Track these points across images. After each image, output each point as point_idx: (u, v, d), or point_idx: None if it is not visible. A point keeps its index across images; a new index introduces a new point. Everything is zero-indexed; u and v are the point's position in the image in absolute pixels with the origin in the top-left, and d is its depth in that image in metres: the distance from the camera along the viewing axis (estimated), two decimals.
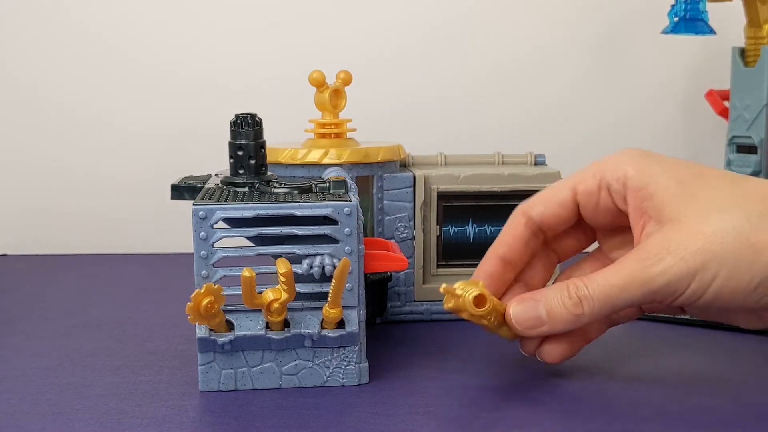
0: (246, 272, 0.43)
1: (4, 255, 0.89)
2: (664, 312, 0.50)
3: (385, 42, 0.91)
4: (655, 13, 0.77)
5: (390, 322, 0.62)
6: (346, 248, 0.47)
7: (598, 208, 0.48)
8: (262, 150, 0.52)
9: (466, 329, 0.61)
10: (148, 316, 0.64)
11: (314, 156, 0.59)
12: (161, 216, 0.88)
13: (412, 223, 0.62)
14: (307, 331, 0.47)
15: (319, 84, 0.61)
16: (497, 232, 0.62)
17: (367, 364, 0.49)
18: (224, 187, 0.52)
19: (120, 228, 0.91)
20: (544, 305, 0.45)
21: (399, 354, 0.55)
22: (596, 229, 0.51)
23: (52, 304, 0.68)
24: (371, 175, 0.61)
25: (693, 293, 0.43)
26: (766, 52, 0.67)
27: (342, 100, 0.62)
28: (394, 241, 0.60)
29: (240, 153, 0.52)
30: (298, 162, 0.59)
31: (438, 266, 0.63)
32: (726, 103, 0.73)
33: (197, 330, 0.47)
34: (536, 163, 0.66)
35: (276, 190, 0.50)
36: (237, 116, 0.52)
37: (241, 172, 0.52)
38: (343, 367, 0.49)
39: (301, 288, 0.47)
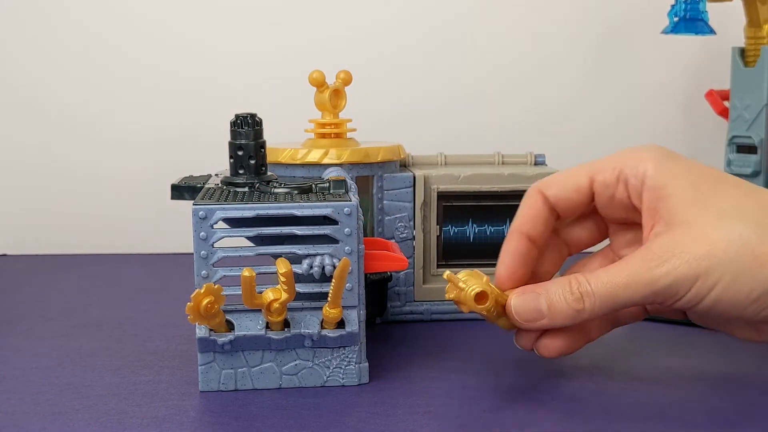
0: (246, 272, 0.43)
1: (4, 255, 0.89)
2: (666, 314, 0.50)
3: (385, 42, 0.91)
4: (655, 13, 0.77)
5: (390, 322, 0.62)
6: (346, 248, 0.47)
7: (613, 201, 0.48)
8: (262, 150, 0.52)
9: (466, 329, 0.61)
10: (148, 316, 0.64)
11: (314, 156, 0.59)
12: (161, 216, 0.88)
13: (412, 223, 0.62)
14: (307, 331, 0.47)
15: (319, 84, 0.61)
16: (497, 232, 0.62)
17: (367, 364, 0.49)
18: (224, 187, 0.52)
19: (120, 228, 0.91)
20: (545, 299, 0.45)
21: (399, 354, 0.55)
22: (608, 222, 0.50)
23: (52, 304, 0.68)
24: (371, 175, 0.61)
25: (693, 297, 0.43)
26: (766, 52, 0.67)
27: (342, 100, 0.62)
28: (394, 241, 0.60)
29: (240, 153, 0.52)
30: (298, 162, 0.59)
31: (438, 266, 0.63)
32: (726, 103, 0.73)
33: (197, 330, 0.47)
34: (536, 163, 0.66)
35: (276, 190, 0.50)
36: (237, 116, 0.52)
37: (241, 172, 0.52)
38: (343, 367, 0.49)
39: (301, 288, 0.47)
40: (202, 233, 0.47)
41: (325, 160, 0.59)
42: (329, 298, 0.46)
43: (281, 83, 0.89)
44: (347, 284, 0.47)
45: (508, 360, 0.53)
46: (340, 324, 0.48)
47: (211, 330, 0.47)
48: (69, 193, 0.91)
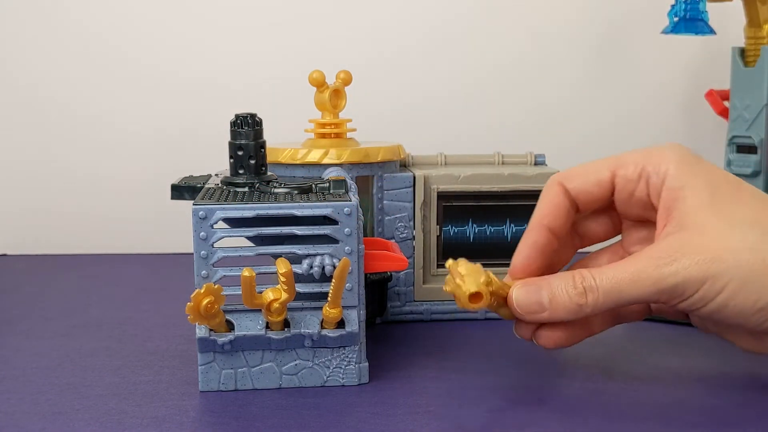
0: (246, 272, 0.43)
1: (4, 255, 0.89)
2: (669, 315, 0.50)
3: (385, 42, 0.91)
4: (655, 13, 0.76)
5: (390, 322, 0.62)
6: (346, 248, 0.47)
7: (633, 197, 0.48)
8: (262, 150, 0.52)
9: (466, 329, 0.61)
10: (148, 316, 0.64)
11: (314, 156, 0.59)
12: (161, 216, 0.88)
13: (412, 223, 0.62)
14: (307, 331, 0.47)
15: (319, 84, 0.61)
16: (497, 232, 0.62)
17: (367, 364, 0.49)
18: (224, 187, 0.52)
19: (120, 228, 0.91)
20: (548, 292, 0.45)
21: (399, 354, 0.55)
22: (623, 218, 0.50)
23: (52, 304, 0.68)
24: (371, 175, 0.61)
25: (699, 299, 0.43)
26: (766, 52, 0.67)
27: (342, 100, 0.62)
28: (394, 241, 0.60)
29: (240, 153, 0.52)
30: (298, 162, 0.59)
31: (438, 266, 0.63)
32: (726, 103, 0.73)
33: (197, 330, 0.47)
34: (536, 163, 0.66)
35: (276, 190, 0.50)
36: (237, 116, 0.52)
37: (241, 172, 0.52)
38: (343, 367, 0.49)
39: (301, 288, 0.47)
40: (202, 233, 0.47)
41: (325, 160, 0.59)
42: (329, 298, 0.46)
43: (281, 83, 0.89)
44: (347, 284, 0.47)
45: (508, 360, 0.53)
46: (340, 324, 0.48)
47: (211, 330, 0.47)
48: (69, 193, 0.91)
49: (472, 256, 0.62)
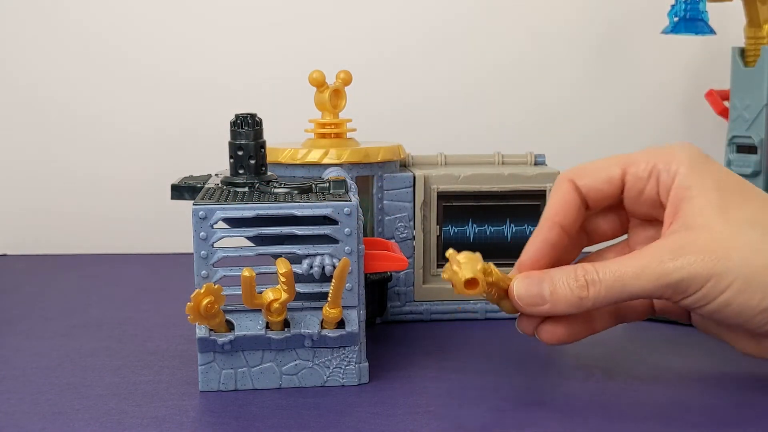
0: (246, 272, 0.43)
1: (4, 255, 0.89)
2: (671, 316, 0.50)
3: (385, 42, 0.91)
4: (655, 13, 0.76)
5: (390, 322, 0.62)
6: (346, 248, 0.47)
7: (642, 195, 0.48)
8: (262, 150, 0.52)
9: (466, 329, 0.61)
10: (148, 316, 0.64)
11: (314, 156, 0.59)
12: (161, 216, 0.88)
13: (412, 223, 0.62)
14: (307, 331, 0.47)
15: (319, 84, 0.61)
16: (497, 232, 0.62)
17: (367, 364, 0.49)
18: (224, 187, 0.52)
19: (120, 228, 0.91)
20: (549, 284, 0.45)
21: (399, 354, 0.55)
22: (631, 217, 0.50)
23: (52, 304, 0.68)
24: (371, 175, 0.61)
25: (703, 297, 0.43)
26: (766, 52, 0.67)
27: (342, 100, 0.62)
28: (394, 241, 0.60)
29: (240, 153, 0.52)
30: (298, 162, 0.59)
31: (438, 266, 0.63)
32: (726, 103, 0.73)
33: (197, 330, 0.47)
34: (536, 163, 0.66)
35: (276, 190, 0.50)
36: (237, 116, 0.52)
37: (241, 172, 0.52)
38: (343, 367, 0.49)
39: (301, 288, 0.47)
40: (202, 233, 0.47)
41: (325, 160, 0.59)
42: (329, 298, 0.46)
43: (281, 83, 0.89)
44: (347, 284, 0.47)
45: (508, 360, 0.53)
46: (340, 324, 0.48)
47: (211, 330, 0.47)
48: (69, 193, 0.91)
49: None
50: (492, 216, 0.62)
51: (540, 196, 0.62)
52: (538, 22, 0.91)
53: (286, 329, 0.48)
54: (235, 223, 0.48)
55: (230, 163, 0.52)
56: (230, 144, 0.52)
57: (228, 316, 0.47)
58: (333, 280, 0.46)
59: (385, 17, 0.90)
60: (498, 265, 0.46)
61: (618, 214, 0.50)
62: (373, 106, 0.84)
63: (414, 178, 0.62)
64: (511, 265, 0.48)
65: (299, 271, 0.47)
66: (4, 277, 0.78)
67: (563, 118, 0.92)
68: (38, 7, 0.89)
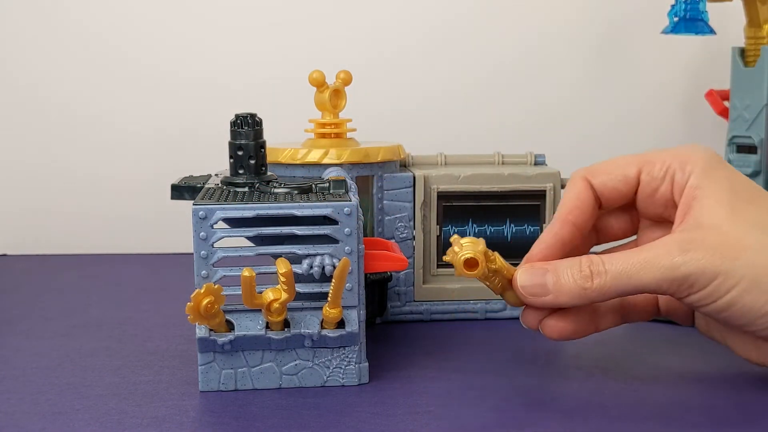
0: (246, 272, 0.43)
1: (4, 255, 0.89)
2: (676, 317, 0.50)
3: (385, 42, 0.91)
4: (655, 13, 0.77)
5: (390, 322, 0.62)
6: (346, 248, 0.47)
7: (655, 195, 0.48)
8: (262, 150, 0.52)
9: (466, 329, 0.61)
10: (148, 316, 0.64)
11: (314, 156, 0.59)
12: (161, 216, 0.88)
13: (412, 223, 0.62)
14: (307, 331, 0.47)
15: (319, 84, 0.61)
16: (497, 232, 0.62)
17: (367, 364, 0.49)
18: (224, 187, 0.52)
19: (120, 228, 0.91)
20: (553, 274, 0.45)
21: (399, 354, 0.55)
22: (642, 217, 0.50)
23: (52, 304, 0.68)
24: (371, 175, 0.61)
25: (708, 294, 0.43)
26: (766, 52, 0.67)
27: (342, 100, 0.62)
28: (394, 241, 0.60)
29: (240, 153, 0.52)
30: (298, 162, 0.59)
31: (438, 266, 0.63)
32: (726, 103, 0.73)
33: (197, 330, 0.47)
34: (536, 163, 0.66)
35: (276, 190, 0.50)
36: (237, 116, 0.52)
37: (241, 172, 0.52)
38: (343, 367, 0.49)
39: (301, 288, 0.47)
40: (202, 233, 0.47)
41: (325, 160, 0.59)
42: (329, 298, 0.46)
43: (281, 83, 0.89)
44: (347, 284, 0.47)
45: (509, 360, 0.53)
46: (340, 324, 0.48)
47: (211, 330, 0.47)
48: (69, 193, 0.91)
49: None
50: (492, 216, 0.62)
51: (540, 196, 0.62)
52: (538, 22, 0.91)
53: (286, 329, 0.48)
54: (235, 223, 0.48)
55: (230, 163, 0.52)
56: (230, 144, 0.52)
57: (228, 316, 0.47)
58: (333, 280, 0.46)
59: (385, 17, 0.90)
60: None
61: (629, 213, 0.51)
62: (373, 106, 0.84)
63: (414, 178, 0.62)
64: (512, 265, 0.48)
65: (299, 271, 0.47)
66: (4, 277, 0.78)
67: (563, 118, 0.92)
68: (38, 7, 0.89)
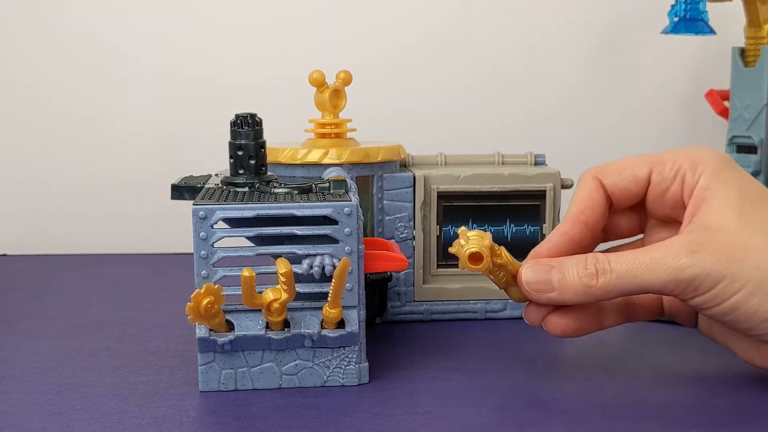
0: (246, 272, 0.43)
1: (4, 255, 0.89)
2: (680, 318, 0.50)
3: (385, 42, 0.91)
4: (655, 13, 0.77)
5: (390, 322, 0.62)
6: (346, 248, 0.47)
7: (665, 196, 0.48)
8: (262, 150, 0.52)
9: (466, 329, 0.61)
10: (148, 316, 0.64)
11: (314, 156, 0.59)
12: (161, 216, 0.88)
13: (412, 223, 0.62)
14: (307, 331, 0.47)
15: (319, 84, 0.61)
16: (497, 232, 0.62)
17: (367, 364, 0.49)
18: (224, 187, 0.52)
19: (120, 228, 0.91)
20: (558, 271, 0.45)
21: (399, 354, 0.55)
22: (650, 217, 0.50)
23: (52, 304, 0.68)
24: (371, 175, 0.61)
25: (713, 297, 0.43)
26: (766, 52, 0.67)
27: (342, 100, 0.62)
28: (394, 241, 0.60)
29: (240, 153, 0.52)
30: (298, 162, 0.59)
31: (438, 266, 0.63)
32: (726, 103, 0.73)
33: (197, 330, 0.47)
34: (536, 163, 0.66)
35: (276, 190, 0.50)
36: (237, 116, 0.52)
37: (241, 172, 0.52)
38: (343, 367, 0.49)
39: (301, 288, 0.47)
40: (202, 233, 0.47)
41: (325, 160, 0.59)
42: (329, 298, 0.46)
43: (281, 83, 0.89)
44: (347, 284, 0.47)
45: (508, 360, 0.53)
46: (340, 324, 0.48)
47: (211, 330, 0.47)
48: (69, 193, 0.91)
49: None
50: (492, 216, 0.62)
51: (540, 196, 0.62)
52: (538, 22, 0.91)
53: (286, 329, 0.48)
54: (235, 223, 0.48)
55: (230, 163, 0.52)
56: (230, 144, 0.52)
57: (228, 316, 0.47)
58: (333, 280, 0.46)
59: (385, 17, 0.90)
60: None
61: (637, 213, 0.50)
62: (373, 106, 0.84)
63: (414, 178, 0.62)
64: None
65: (299, 271, 0.47)
66: (4, 277, 0.78)
67: (563, 118, 0.92)
68: (38, 7, 0.89)
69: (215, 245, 0.47)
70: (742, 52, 0.70)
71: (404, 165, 0.65)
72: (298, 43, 0.90)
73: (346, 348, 0.48)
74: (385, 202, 0.61)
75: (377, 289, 0.59)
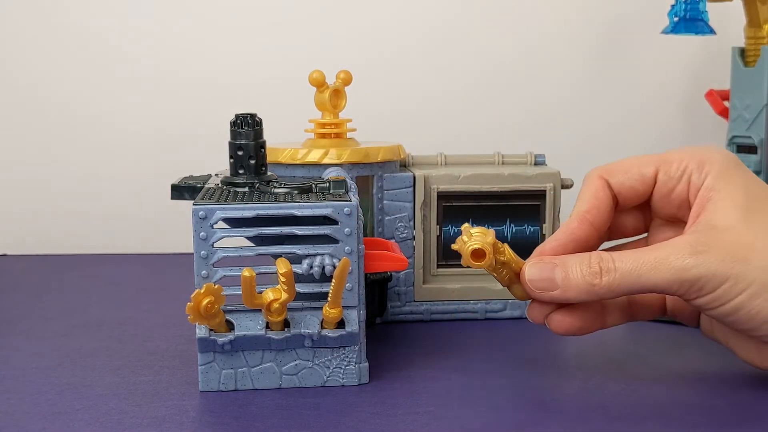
0: (246, 272, 0.43)
1: (4, 255, 0.89)
2: (682, 318, 0.50)
3: (385, 42, 0.91)
4: (655, 13, 0.77)
5: (390, 322, 0.62)
6: (346, 248, 0.47)
7: (671, 195, 0.48)
8: (262, 150, 0.52)
9: (466, 329, 0.61)
10: (148, 316, 0.64)
11: (314, 156, 0.59)
12: (161, 216, 0.88)
13: (412, 223, 0.62)
14: (307, 331, 0.47)
15: (319, 84, 0.61)
16: (497, 233, 0.62)
17: (367, 364, 0.49)
18: (224, 187, 0.52)
19: (120, 228, 0.91)
20: (562, 269, 0.45)
21: (399, 354, 0.55)
22: (655, 216, 0.50)
23: (52, 304, 0.68)
24: (371, 175, 0.61)
25: (717, 297, 0.43)
26: (766, 52, 0.67)
27: (342, 100, 0.62)
28: (394, 241, 0.60)
29: (240, 153, 0.52)
30: (298, 162, 0.59)
31: (438, 266, 0.63)
32: (726, 103, 0.73)
33: (197, 330, 0.47)
34: (536, 163, 0.66)
35: (276, 190, 0.50)
36: (237, 116, 0.52)
37: (241, 172, 0.52)
38: (343, 367, 0.49)
39: (301, 288, 0.47)
40: (202, 233, 0.47)
41: (325, 160, 0.59)
42: (329, 298, 0.46)
43: (281, 83, 0.89)
44: (347, 284, 0.47)
45: (508, 360, 0.53)
46: (340, 324, 0.48)
47: (211, 330, 0.47)
48: (69, 193, 0.91)
49: None
50: (492, 216, 0.62)
51: (540, 196, 0.62)
52: (538, 22, 0.91)
53: (286, 329, 0.48)
54: (235, 223, 0.48)
55: (230, 163, 0.52)
56: (230, 144, 0.52)
57: (228, 316, 0.47)
58: (333, 280, 0.46)
59: (385, 17, 0.90)
60: None
61: (642, 211, 0.50)
62: (373, 106, 0.84)
63: (414, 178, 0.62)
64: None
65: (299, 271, 0.47)
66: (4, 277, 0.78)
67: (563, 118, 0.92)
68: (38, 7, 0.89)
69: (215, 245, 0.47)
70: (742, 52, 0.70)
71: (404, 165, 0.65)
72: (298, 43, 0.90)
73: (346, 348, 0.48)
74: (385, 202, 0.61)
75: (377, 289, 0.59)
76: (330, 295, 0.46)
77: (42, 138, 0.90)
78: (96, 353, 0.55)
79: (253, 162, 0.52)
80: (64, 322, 0.62)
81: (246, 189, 0.51)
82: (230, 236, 0.47)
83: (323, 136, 0.62)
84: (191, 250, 0.47)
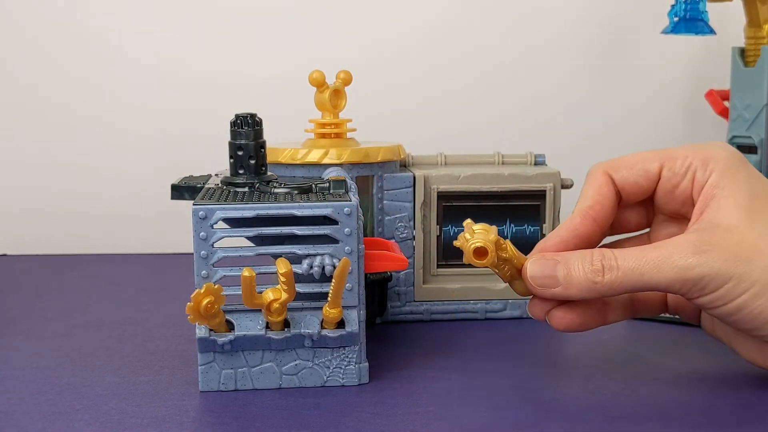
0: (246, 272, 0.43)
1: (4, 255, 0.89)
2: (684, 316, 0.50)
3: (385, 42, 0.91)
4: (655, 13, 0.77)
5: (390, 322, 0.62)
6: (346, 248, 0.47)
7: (675, 191, 0.48)
8: (262, 150, 0.52)
9: (466, 329, 0.61)
10: (148, 316, 0.64)
11: (314, 156, 0.59)
12: (161, 216, 0.88)
13: (412, 223, 0.62)
14: (307, 331, 0.47)
15: (319, 84, 0.61)
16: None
17: (367, 364, 0.49)
18: (224, 187, 0.52)
19: (120, 228, 0.91)
20: (563, 266, 0.45)
21: (399, 354, 0.55)
22: (658, 212, 0.50)
23: (52, 304, 0.68)
24: (371, 175, 0.61)
25: (720, 297, 0.43)
26: (766, 52, 0.67)
27: (342, 100, 0.62)
28: (394, 241, 0.60)
29: (240, 153, 0.52)
30: (298, 162, 0.59)
31: (438, 266, 0.63)
32: (726, 103, 0.73)
33: (197, 330, 0.47)
34: (536, 163, 0.66)
35: (276, 190, 0.50)
36: (237, 116, 0.52)
37: (241, 172, 0.52)
38: (343, 367, 0.49)
39: (301, 288, 0.47)
40: (202, 233, 0.47)
41: (325, 160, 0.59)
42: (329, 298, 0.46)
43: (281, 83, 0.89)
44: (347, 284, 0.47)
45: (508, 360, 0.53)
46: (340, 324, 0.48)
47: (211, 330, 0.47)
48: (69, 193, 0.91)
49: None
50: (492, 216, 0.62)
51: (540, 196, 0.62)
52: (538, 22, 0.91)
53: (286, 329, 0.48)
54: (235, 223, 0.48)
55: (230, 163, 0.52)
56: (230, 144, 0.52)
57: (228, 316, 0.47)
58: (333, 280, 0.46)
59: (385, 17, 0.90)
60: None
61: (645, 207, 0.50)
62: (373, 106, 0.84)
63: (414, 178, 0.62)
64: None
65: (299, 271, 0.47)
66: (4, 277, 0.78)
67: (563, 118, 0.92)
68: (38, 7, 0.89)
69: (215, 245, 0.47)
70: (742, 52, 0.70)
71: (404, 165, 0.65)
72: (298, 43, 0.90)
73: (346, 348, 0.48)
74: (385, 202, 0.61)
75: (377, 289, 0.59)
76: (330, 295, 0.46)
77: (42, 138, 0.90)
78: (96, 353, 0.55)
79: (253, 162, 0.52)
80: (64, 322, 0.62)
81: (246, 189, 0.51)
82: (230, 236, 0.47)
83: (323, 136, 0.62)
84: (191, 250, 0.47)
